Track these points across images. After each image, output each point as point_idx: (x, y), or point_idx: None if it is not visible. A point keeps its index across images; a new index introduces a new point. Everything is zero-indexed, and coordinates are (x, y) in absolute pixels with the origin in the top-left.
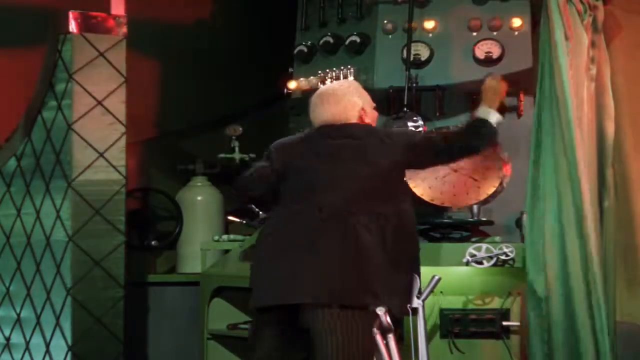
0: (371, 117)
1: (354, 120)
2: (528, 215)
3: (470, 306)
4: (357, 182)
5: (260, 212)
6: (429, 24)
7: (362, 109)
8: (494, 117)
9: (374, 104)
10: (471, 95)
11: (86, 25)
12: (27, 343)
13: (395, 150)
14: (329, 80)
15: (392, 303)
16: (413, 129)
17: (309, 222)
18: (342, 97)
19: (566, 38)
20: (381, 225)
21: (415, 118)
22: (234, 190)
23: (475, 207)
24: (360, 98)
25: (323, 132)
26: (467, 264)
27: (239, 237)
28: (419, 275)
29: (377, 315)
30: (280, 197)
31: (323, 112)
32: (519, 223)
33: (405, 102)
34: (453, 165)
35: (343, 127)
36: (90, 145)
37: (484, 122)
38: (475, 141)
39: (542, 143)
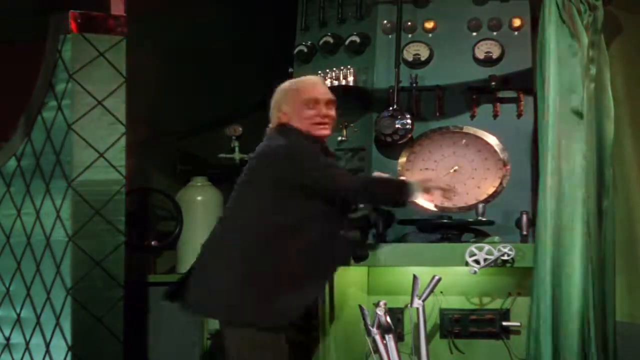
0: (298, 119)
1: (273, 119)
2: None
3: (470, 306)
4: (240, 197)
5: None
6: (429, 24)
7: (277, 106)
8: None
9: (306, 104)
10: (471, 95)
11: (86, 25)
12: (27, 343)
13: (282, 170)
14: (329, 80)
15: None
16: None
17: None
18: (274, 93)
19: (571, 36)
20: (240, 240)
21: (407, 115)
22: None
23: (480, 207)
24: (279, 96)
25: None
26: (467, 264)
27: None
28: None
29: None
30: None
31: None
32: (519, 223)
33: (395, 100)
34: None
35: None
36: (90, 145)
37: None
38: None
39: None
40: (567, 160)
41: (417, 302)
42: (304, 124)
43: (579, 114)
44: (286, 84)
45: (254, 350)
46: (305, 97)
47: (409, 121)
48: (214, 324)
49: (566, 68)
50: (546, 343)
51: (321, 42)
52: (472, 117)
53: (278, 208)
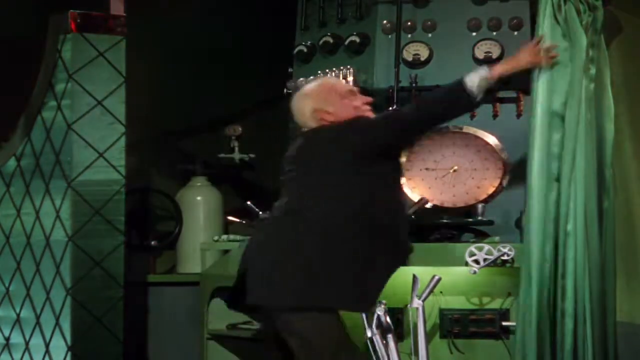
0: (338, 115)
1: (313, 123)
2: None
3: (470, 306)
4: (305, 183)
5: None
6: (429, 24)
7: (316, 110)
8: (476, 77)
9: (348, 96)
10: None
11: (86, 25)
12: (27, 343)
13: (348, 145)
14: None
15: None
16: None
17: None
18: (296, 102)
19: (564, 37)
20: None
21: None
22: None
23: (480, 207)
24: (312, 100)
25: (295, 137)
26: (467, 264)
27: (239, 237)
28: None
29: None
30: None
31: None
32: (518, 223)
33: (395, 100)
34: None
35: (304, 132)
36: (90, 145)
37: (461, 92)
38: (446, 111)
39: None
40: (563, 160)
41: (417, 302)
42: (354, 113)
43: (575, 115)
44: (309, 88)
45: (331, 333)
46: (344, 90)
47: None
48: (212, 324)
49: (559, 69)
50: (531, 345)
51: (321, 42)
52: (472, 117)
53: (354, 187)
